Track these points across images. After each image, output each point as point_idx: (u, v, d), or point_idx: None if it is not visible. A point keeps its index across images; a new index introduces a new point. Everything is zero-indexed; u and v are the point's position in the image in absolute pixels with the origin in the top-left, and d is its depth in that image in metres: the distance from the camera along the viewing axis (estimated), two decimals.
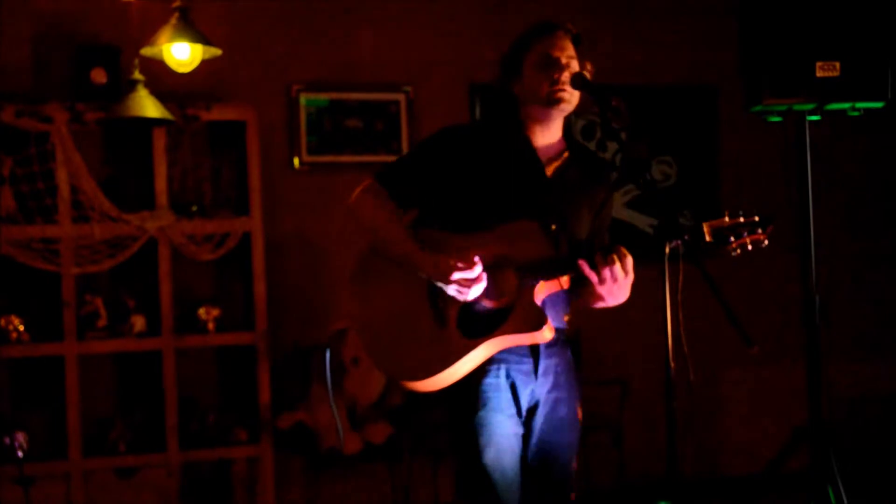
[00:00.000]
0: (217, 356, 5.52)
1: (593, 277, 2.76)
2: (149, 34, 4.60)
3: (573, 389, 3.03)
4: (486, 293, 2.84)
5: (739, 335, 2.58)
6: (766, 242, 2.80)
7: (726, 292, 2.63)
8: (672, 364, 2.65)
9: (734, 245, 2.79)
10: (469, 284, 2.79)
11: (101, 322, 5.15)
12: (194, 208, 5.26)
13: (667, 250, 2.68)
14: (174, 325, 5.16)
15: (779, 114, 4.11)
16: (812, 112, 4.08)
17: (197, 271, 5.40)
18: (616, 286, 2.77)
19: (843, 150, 6.20)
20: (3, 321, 5.02)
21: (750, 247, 2.79)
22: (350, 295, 2.99)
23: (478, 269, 2.78)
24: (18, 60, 5.30)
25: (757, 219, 2.78)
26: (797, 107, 4.05)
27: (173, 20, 4.52)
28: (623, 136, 5.82)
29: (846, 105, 4.05)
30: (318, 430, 5.16)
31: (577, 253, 2.82)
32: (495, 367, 2.88)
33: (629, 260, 2.76)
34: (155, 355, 5.17)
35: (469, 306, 2.86)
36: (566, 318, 3.01)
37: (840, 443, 4.02)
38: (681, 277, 2.68)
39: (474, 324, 2.84)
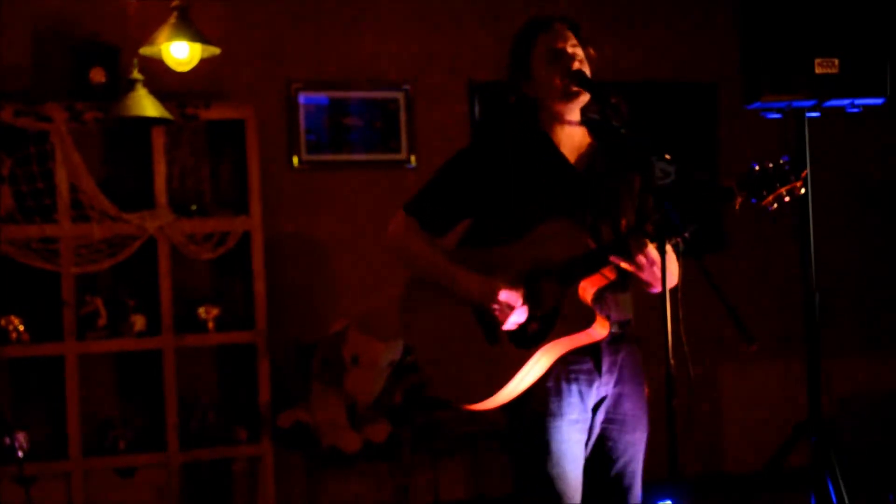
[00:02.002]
0: (217, 355, 5.51)
1: (630, 267, 2.73)
2: (148, 33, 4.60)
3: (639, 385, 3.00)
4: (531, 302, 2.82)
5: (740, 332, 2.58)
6: (803, 190, 2.62)
7: (726, 289, 2.63)
8: (672, 361, 2.65)
9: (770, 199, 2.61)
10: (510, 311, 2.79)
11: (101, 322, 5.15)
12: (194, 207, 5.26)
13: (667, 248, 2.67)
14: (174, 324, 5.16)
15: (778, 110, 4.11)
16: (811, 109, 4.08)
17: (197, 270, 5.40)
18: (657, 269, 2.70)
19: (843, 146, 6.20)
20: (2, 321, 5.01)
21: (787, 198, 2.61)
22: (402, 327, 3.02)
23: (519, 297, 2.79)
24: (17, 60, 5.30)
25: (787, 167, 2.59)
26: (796, 103, 4.05)
27: (172, 19, 4.52)
28: (623, 133, 5.81)
29: (845, 102, 4.05)
30: (319, 429, 5.16)
31: (609, 244, 2.78)
32: (555, 371, 2.84)
33: (650, 247, 2.70)
34: (155, 354, 5.16)
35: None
36: (623, 315, 2.95)
37: (840, 439, 4.02)
38: (680, 274, 2.68)
39: (526, 334, 2.82)
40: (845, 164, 6.30)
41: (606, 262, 2.75)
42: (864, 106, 4.08)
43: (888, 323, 6.38)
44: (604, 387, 2.91)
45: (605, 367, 2.90)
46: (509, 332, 2.84)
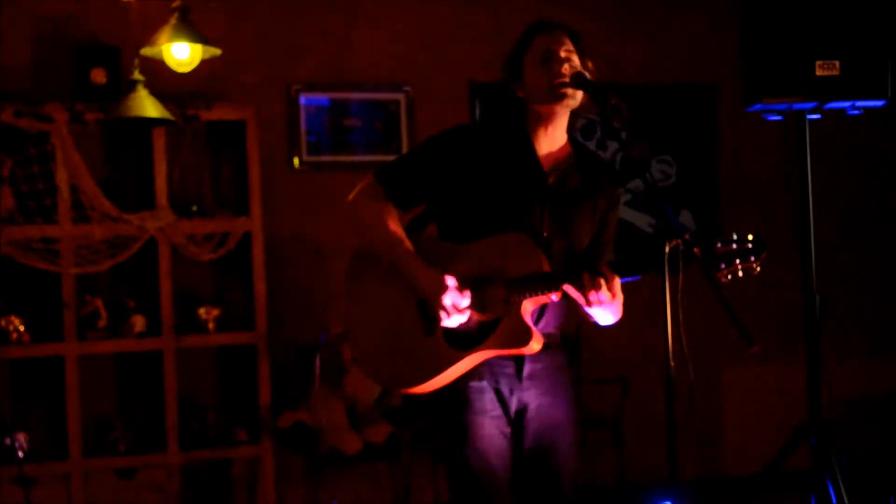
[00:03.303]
0: (217, 356, 5.51)
1: (580, 300, 2.74)
2: (148, 34, 4.60)
3: (567, 391, 2.99)
4: (474, 305, 2.82)
5: (740, 334, 2.58)
6: (758, 270, 2.69)
7: (726, 291, 2.62)
8: (672, 363, 2.64)
9: (725, 272, 2.67)
10: (451, 314, 2.79)
11: (102, 322, 5.15)
12: (194, 208, 5.26)
13: (667, 249, 2.67)
14: (174, 325, 5.17)
15: (778, 112, 4.11)
16: (812, 111, 4.08)
17: (197, 271, 5.40)
18: (603, 308, 2.74)
19: (843, 148, 6.20)
20: (3, 321, 5.02)
21: (741, 274, 2.69)
22: (343, 297, 3.04)
23: (466, 301, 2.79)
24: (18, 61, 5.30)
25: (750, 246, 2.67)
26: (797, 105, 4.05)
27: (173, 20, 4.52)
28: (623, 135, 5.82)
29: (846, 104, 4.04)
30: (319, 430, 5.16)
31: (565, 272, 2.78)
32: (479, 370, 2.86)
33: (616, 282, 2.71)
34: (155, 355, 5.17)
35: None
36: (557, 328, 2.96)
37: (841, 441, 4.02)
38: (681, 276, 2.67)
39: (461, 335, 2.83)
40: (846, 165, 6.30)
41: (558, 289, 2.77)
42: (865, 108, 4.07)
43: (889, 325, 6.38)
44: (525, 392, 2.92)
45: (525, 373, 2.91)
46: (445, 331, 2.84)
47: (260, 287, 5.25)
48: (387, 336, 2.92)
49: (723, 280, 2.69)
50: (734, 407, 6.20)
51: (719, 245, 2.66)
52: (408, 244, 2.89)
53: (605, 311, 2.79)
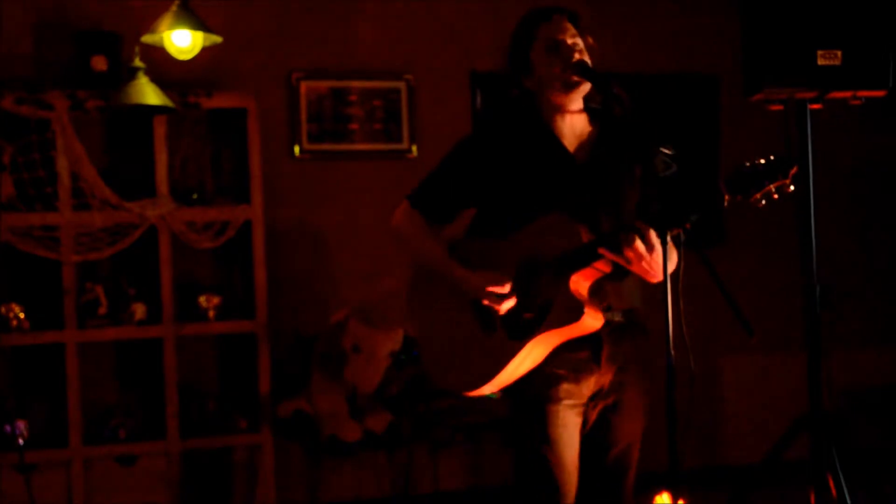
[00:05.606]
0: (217, 344, 5.52)
1: (620, 261, 2.75)
2: (149, 21, 4.59)
3: (642, 375, 3.03)
4: (525, 294, 2.87)
5: (740, 324, 2.57)
6: (792, 187, 2.60)
7: (727, 281, 2.62)
8: (672, 352, 2.64)
9: (758, 196, 2.60)
10: (500, 301, 2.85)
11: (102, 310, 5.15)
12: (195, 196, 5.25)
13: (668, 238, 2.67)
14: (175, 313, 5.16)
15: (780, 102, 4.10)
16: (813, 100, 4.07)
17: (197, 259, 5.40)
18: (645, 263, 2.73)
19: (845, 138, 6.19)
20: (3, 309, 5.02)
21: (776, 195, 2.61)
22: (408, 315, 3.13)
23: (508, 286, 2.84)
24: (19, 48, 5.29)
25: (776, 162, 2.58)
26: (798, 95, 4.04)
27: (174, 7, 4.52)
28: (625, 119, 5.79)
29: (847, 93, 4.04)
30: (319, 419, 5.17)
31: (600, 237, 2.80)
32: (555, 359, 2.89)
33: (651, 233, 2.71)
34: (155, 343, 5.17)
35: (513, 309, 2.89)
36: (619, 304, 2.97)
37: (841, 432, 4.02)
38: (682, 265, 2.67)
39: (520, 325, 2.87)
40: (847, 155, 6.29)
41: (597, 256, 2.78)
42: (867, 98, 4.06)
43: (891, 315, 6.37)
44: (604, 377, 2.95)
45: (604, 357, 2.93)
46: (504, 322, 2.88)
47: (260, 275, 5.25)
48: (453, 345, 3.00)
49: (759, 206, 2.62)
50: (734, 397, 6.20)
51: (746, 167, 2.60)
52: (447, 257, 2.99)
53: (646, 267, 2.75)
